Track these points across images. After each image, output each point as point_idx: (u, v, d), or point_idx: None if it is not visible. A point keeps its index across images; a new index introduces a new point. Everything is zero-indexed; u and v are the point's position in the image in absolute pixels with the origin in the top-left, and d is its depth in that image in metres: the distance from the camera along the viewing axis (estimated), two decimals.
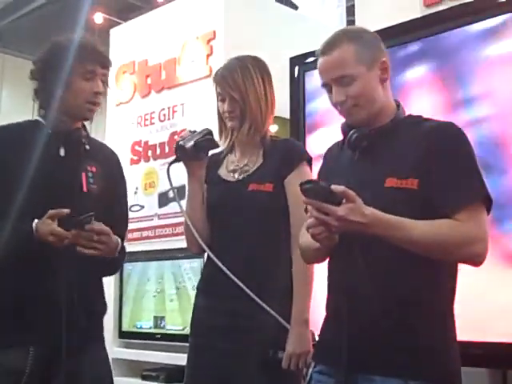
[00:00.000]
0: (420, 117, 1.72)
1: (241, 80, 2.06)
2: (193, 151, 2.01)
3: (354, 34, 1.69)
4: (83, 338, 1.88)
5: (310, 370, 1.71)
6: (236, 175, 2.10)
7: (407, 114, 1.72)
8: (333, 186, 1.45)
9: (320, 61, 1.68)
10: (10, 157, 1.90)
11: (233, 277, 1.93)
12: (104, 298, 2.08)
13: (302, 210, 1.69)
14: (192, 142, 2.01)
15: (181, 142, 2.02)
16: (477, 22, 2.57)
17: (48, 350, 1.83)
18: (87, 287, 1.93)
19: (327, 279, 1.73)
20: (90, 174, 1.97)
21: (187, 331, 3.14)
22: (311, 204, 1.46)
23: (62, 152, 1.94)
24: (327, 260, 1.73)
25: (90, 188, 1.95)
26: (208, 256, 2.05)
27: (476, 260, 1.53)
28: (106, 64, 2.02)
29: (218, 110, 2.13)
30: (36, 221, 1.79)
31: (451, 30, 2.64)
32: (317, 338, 2.73)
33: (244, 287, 1.92)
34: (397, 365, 1.53)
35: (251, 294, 1.92)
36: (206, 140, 2.03)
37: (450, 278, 1.62)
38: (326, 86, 1.67)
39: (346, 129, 1.70)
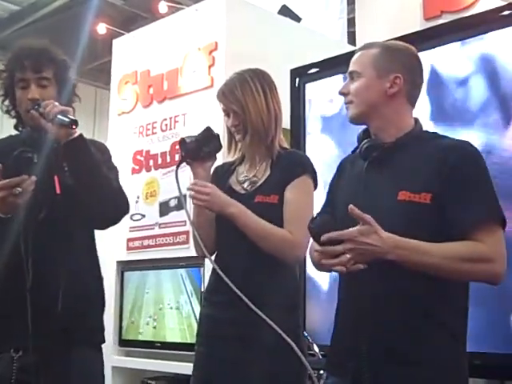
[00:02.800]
0: (435, 133, 1.75)
1: (240, 93, 2.09)
2: (194, 144, 2.06)
3: (388, 44, 1.74)
4: (67, 340, 1.81)
5: (322, 382, 1.71)
6: (245, 186, 2.13)
7: (423, 129, 1.73)
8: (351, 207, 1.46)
9: None
10: None
11: (233, 286, 1.93)
12: (98, 290, 1.98)
13: (293, 214, 1.83)
14: (193, 138, 2.07)
15: (183, 137, 2.09)
16: (477, 35, 2.59)
17: (32, 356, 1.76)
18: (74, 276, 1.83)
19: (338, 290, 1.74)
20: (66, 169, 1.88)
21: (187, 340, 3.15)
22: (327, 238, 1.46)
23: (35, 159, 1.80)
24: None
25: (66, 185, 1.86)
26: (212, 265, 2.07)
27: (494, 279, 1.55)
28: (38, 68, 1.87)
29: (227, 126, 2.17)
30: None
31: (451, 43, 2.67)
32: (315, 348, 2.75)
33: (243, 297, 1.92)
34: (411, 379, 1.54)
35: (250, 303, 1.92)
36: (204, 132, 2.08)
37: (463, 292, 1.63)
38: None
39: (361, 138, 1.74)
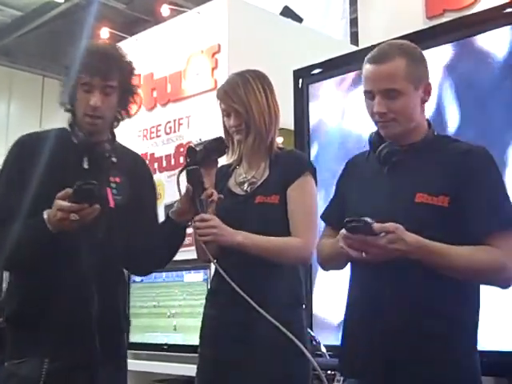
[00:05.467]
0: (449, 137, 1.75)
1: (243, 93, 2.08)
2: (203, 153, 2.05)
3: (406, 49, 1.68)
4: (102, 353, 1.83)
5: None
6: (244, 188, 2.12)
7: (435, 133, 1.73)
8: (374, 224, 1.49)
9: (369, 68, 1.66)
10: (33, 165, 1.82)
11: (237, 288, 1.92)
12: (127, 312, 2.05)
13: (301, 216, 1.84)
14: (202, 146, 2.06)
15: (192, 145, 2.08)
16: (479, 34, 2.59)
17: (64, 364, 1.78)
18: (111, 298, 1.91)
19: (348, 290, 1.75)
20: (113, 185, 1.91)
21: (195, 342, 3.13)
22: (355, 239, 1.50)
23: (85, 164, 1.87)
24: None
25: (115, 200, 1.89)
26: (216, 267, 2.06)
27: (506, 285, 1.58)
28: (107, 77, 1.86)
29: (225, 126, 2.15)
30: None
31: (453, 42, 2.66)
32: (323, 348, 2.75)
33: (248, 298, 1.91)
34: (424, 378, 1.55)
35: (255, 305, 1.90)
36: (215, 142, 2.07)
37: (476, 291, 1.64)
38: (369, 93, 1.66)
39: (375, 141, 1.72)
